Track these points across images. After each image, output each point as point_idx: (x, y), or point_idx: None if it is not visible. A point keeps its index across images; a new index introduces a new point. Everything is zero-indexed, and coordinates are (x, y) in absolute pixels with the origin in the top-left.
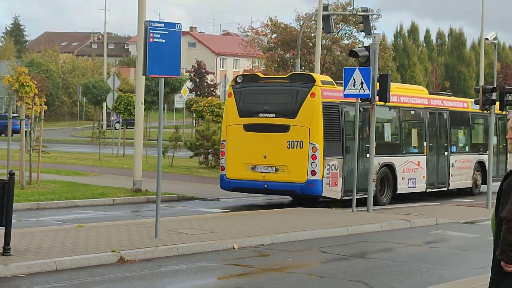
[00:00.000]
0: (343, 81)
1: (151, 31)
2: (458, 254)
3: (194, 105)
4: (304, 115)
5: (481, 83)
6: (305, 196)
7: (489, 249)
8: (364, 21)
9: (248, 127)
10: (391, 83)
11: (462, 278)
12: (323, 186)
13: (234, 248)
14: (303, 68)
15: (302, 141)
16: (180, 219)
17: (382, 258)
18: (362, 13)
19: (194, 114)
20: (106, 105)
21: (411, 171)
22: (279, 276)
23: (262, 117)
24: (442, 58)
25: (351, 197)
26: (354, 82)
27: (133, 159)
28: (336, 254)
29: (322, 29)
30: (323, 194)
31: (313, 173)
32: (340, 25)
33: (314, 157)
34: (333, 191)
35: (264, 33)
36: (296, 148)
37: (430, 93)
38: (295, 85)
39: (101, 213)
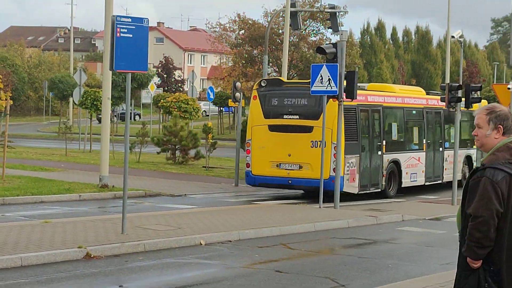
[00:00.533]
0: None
1: (118, 26)
2: (424, 251)
3: (162, 100)
4: (326, 117)
5: (447, 80)
6: (328, 191)
7: (455, 246)
8: (332, 18)
9: (273, 128)
10: (397, 85)
11: (428, 274)
12: (344, 182)
13: (201, 244)
14: (270, 64)
15: (325, 141)
16: (147, 215)
17: (349, 255)
18: (329, 10)
19: (162, 109)
20: (73, 100)
21: (413, 166)
22: (246, 272)
23: (286, 118)
24: (409, 56)
25: (366, 191)
26: (322, 78)
27: (100, 154)
28: (304, 250)
29: (290, 25)
30: (343, 190)
31: (335, 170)
32: (307, 21)
33: (335, 156)
34: (352, 187)
35: (232, 29)
36: (319, 147)
37: (426, 93)
38: None
39: (67, 208)
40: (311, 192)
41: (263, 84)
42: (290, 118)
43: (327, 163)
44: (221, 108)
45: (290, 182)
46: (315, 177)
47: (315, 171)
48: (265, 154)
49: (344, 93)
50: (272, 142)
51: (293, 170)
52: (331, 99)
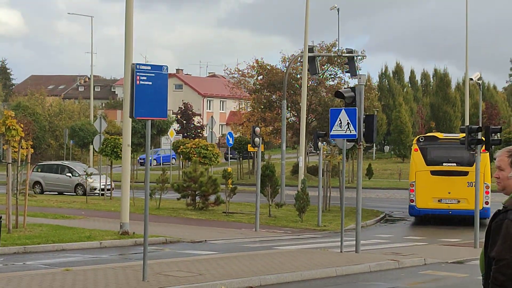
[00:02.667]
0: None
1: (137, 73)
2: None
3: (181, 147)
4: (483, 165)
5: (467, 123)
6: (481, 219)
7: None
8: (349, 62)
9: (434, 172)
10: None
11: None
12: (490, 212)
13: None
14: (289, 109)
15: (478, 181)
16: (168, 262)
17: None
18: (347, 55)
19: (181, 155)
20: (93, 147)
21: None
22: None
23: (445, 165)
24: (428, 98)
25: None
26: (341, 123)
27: (120, 201)
28: None
29: (308, 70)
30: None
31: (486, 203)
32: (325, 66)
33: (487, 192)
34: None
35: (250, 74)
36: (474, 186)
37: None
38: None
39: (88, 256)
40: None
41: (421, 140)
42: (449, 165)
43: (480, 199)
44: (241, 154)
45: (450, 212)
46: (471, 208)
47: (470, 204)
48: (427, 192)
49: (363, 137)
50: (433, 183)
51: (452, 203)
52: (481, 150)
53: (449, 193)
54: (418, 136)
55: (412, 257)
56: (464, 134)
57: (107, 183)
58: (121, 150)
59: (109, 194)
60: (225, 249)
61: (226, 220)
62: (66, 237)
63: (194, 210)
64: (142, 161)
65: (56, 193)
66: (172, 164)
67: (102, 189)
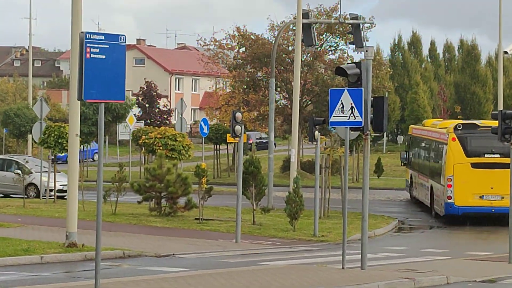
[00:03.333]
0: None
1: (88, 44)
2: None
3: (143, 136)
4: None
5: (500, 106)
6: None
7: None
8: (354, 31)
9: (475, 165)
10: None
11: None
12: None
13: None
14: (279, 89)
15: None
16: (126, 281)
17: None
18: (351, 21)
19: (143, 148)
20: (32, 138)
21: None
22: None
23: (488, 157)
24: (451, 77)
25: None
26: (343, 107)
27: (66, 205)
28: None
29: (302, 41)
30: None
31: None
32: (324, 36)
33: None
34: None
35: (230, 46)
36: None
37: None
38: None
39: (26, 274)
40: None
41: (459, 128)
42: (491, 157)
43: None
44: (217, 146)
45: (493, 210)
46: None
47: None
48: (467, 187)
49: (371, 125)
50: (474, 177)
51: (495, 200)
52: None
53: (492, 188)
54: (455, 124)
55: (432, 274)
56: (496, 122)
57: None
58: (67, 141)
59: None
60: (197, 265)
61: (200, 228)
62: None
63: (159, 216)
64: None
65: (1, 195)
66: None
67: (62, 191)
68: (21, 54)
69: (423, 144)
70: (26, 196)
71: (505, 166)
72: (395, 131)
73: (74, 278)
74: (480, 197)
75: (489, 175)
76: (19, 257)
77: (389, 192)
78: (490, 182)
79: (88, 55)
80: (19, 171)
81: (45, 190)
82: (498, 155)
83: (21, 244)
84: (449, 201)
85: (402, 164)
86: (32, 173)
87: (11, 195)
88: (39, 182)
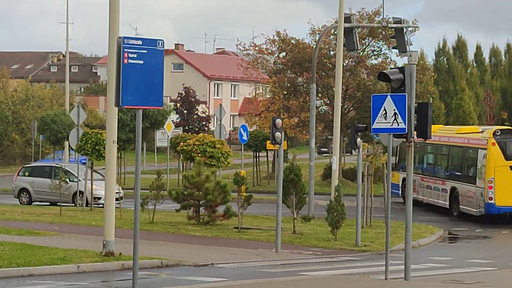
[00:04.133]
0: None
1: (125, 50)
2: None
3: (181, 143)
4: None
5: None
6: None
7: None
8: (397, 36)
9: None
10: None
11: None
12: None
13: None
14: (320, 95)
15: None
16: None
17: None
18: (394, 25)
19: (181, 155)
20: (69, 145)
21: None
22: None
23: None
24: (498, 82)
25: None
26: (386, 113)
27: (104, 213)
28: None
29: (344, 46)
30: None
31: None
32: (366, 40)
33: None
34: None
35: (269, 51)
36: None
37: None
38: None
39: (63, 284)
40: None
41: (497, 133)
42: None
43: None
44: (257, 153)
45: None
46: None
47: None
48: (507, 188)
49: (415, 132)
50: None
51: None
52: None
53: None
54: (494, 130)
55: (478, 286)
56: None
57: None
58: (104, 148)
59: (123, 205)
60: (236, 275)
61: (239, 237)
62: (34, 259)
63: (198, 225)
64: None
65: (48, 203)
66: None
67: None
68: (58, 59)
69: (438, 150)
70: (74, 204)
71: None
72: None
73: None
74: None
75: None
76: (56, 266)
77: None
78: None
79: (126, 61)
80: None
81: (94, 198)
82: None
83: (58, 253)
84: (490, 201)
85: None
86: (72, 181)
87: (58, 203)
88: (92, 190)
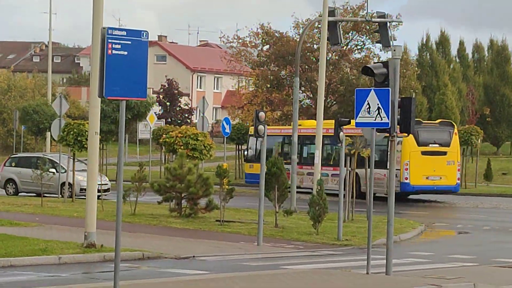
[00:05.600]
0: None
1: (109, 40)
2: None
3: (164, 135)
4: (453, 145)
5: None
6: (454, 193)
7: None
8: (381, 30)
9: (424, 153)
10: None
11: None
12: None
13: None
14: (303, 88)
15: (453, 161)
16: (145, 283)
17: None
18: (378, 20)
19: (164, 147)
20: (51, 135)
21: None
22: None
23: (431, 146)
24: (481, 78)
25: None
26: (369, 107)
27: (85, 205)
28: None
29: (328, 39)
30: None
31: (458, 179)
32: (350, 34)
33: (459, 170)
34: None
35: (253, 44)
36: (450, 164)
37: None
38: (445, 128)
39: (43, 275)
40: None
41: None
42: (434, 146)
43: (455, 175)
44: (240, 146)
45: (435, 188)
46: (449, 184)
47: (449, 180)
48: (418, 170)
49: (398, 126)
50: (423, 162)
51: (436, 180)
52: (454, 134)
53: (434, 170)
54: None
55: (459, 281)
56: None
57: (103, 182)
58: (86, 139)
59: (104, 197)
60: (218, 268)
61: (221, 230)
62: (15, 250)
63: (180, 218)
64: None
65: (34, 194)
66: None
67: (98, 190)
68: (41, 49)
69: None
70: (61, 196)
71: (442, 153)
72: None
73: (93, 279)
74: (427, 178)
75: (432, 160)
76: (37, 257)
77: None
78: (433, 166)
79: (109, 51)
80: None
81: (80, 189)
82: (437, 145)
83: (39, 244)
84: (406, 181)
85: (245, 160)
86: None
87: (45, 194)
88: (74, 180)
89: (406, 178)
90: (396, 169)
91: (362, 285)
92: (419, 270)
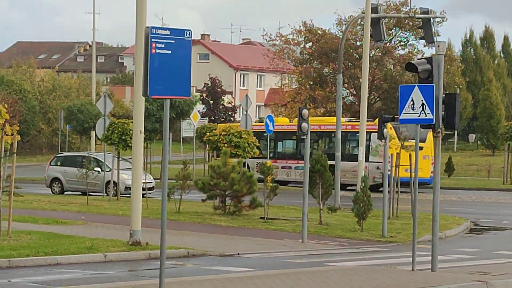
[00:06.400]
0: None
1: (153, 40)
2: None
3: (208, 134)
4: (428, 141)
5: None
6: (429, 185)
7: None
8: (425, 26)
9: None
10: None
11: None
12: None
13: None
14: (346, 85)
15: (428, 155)
16: (191, 281)
17: None
18: (421, 16)
19: (207, 145)
20: (96, 134)
21: None
22: None
23: (410, 142)
24: None
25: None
26: (413, 103)
27: (130, 203)
28: None
29: (371, 36)
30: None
31: (432, 172)
32: (393, 31)
33: (432, 164)
34: None
35: (296, 41)
36: (425, 159)
37: None
38: None
39: (89, 272)
40: None
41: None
42: (412, 141)
43: (429, 169)
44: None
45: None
46: (424, 176)
47: (424, 173)
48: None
49: (443, 122)
50: (403, 156)
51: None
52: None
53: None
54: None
55: (506, 277)
56: None
57: (147, 180)
58: (131, 138)
59: (149, 195)
60: (263, 265)
61: (265, 228)
62: (61, 248)
63: (224, 215)
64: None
65: (80, 193)
66: None
67: (142, 188)
68: (85, 49)
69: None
70: (106, 194)
71: (419, 148)
72: (467, 129)
73: (138, 277)
74: (406, 170)
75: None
76: (83, 255)
77: (460, 192)
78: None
79: (153, 51)
80: (99, 168)
81: (125, 188)
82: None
83: (85, 242)
84: (389, 173)
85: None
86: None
87: (91, 193)
88: (119, 179)
89: (389, 170)
90: (379, 162)
91: (408, 282)
92: (465, 266)
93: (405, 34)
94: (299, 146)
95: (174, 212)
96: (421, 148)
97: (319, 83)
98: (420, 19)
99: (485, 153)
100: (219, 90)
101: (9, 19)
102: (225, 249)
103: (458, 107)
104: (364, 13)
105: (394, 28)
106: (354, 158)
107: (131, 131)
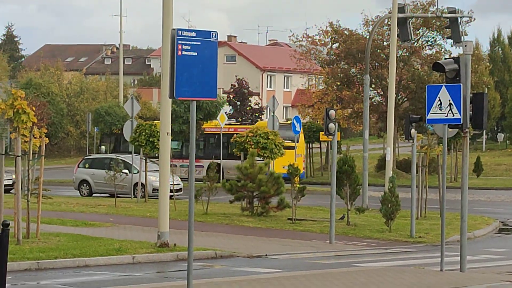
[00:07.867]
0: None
1: (179, 41)
2: None
3: (235, 135)
4: (300, 141)
5: None
6: (301, 179)
7: None
8: (452, 26)
9: (284, 147)
10: None
11: None
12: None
13: None
14: (373, 86)
15: (301, 154)
16: (219, 282)
17: None
18: (448, 15)
19: (235, 146)
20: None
21: None
22: None
23: (287, 142)
24: None
25: None
26: (440, 103)
27: (158, 205)
28: None
29: (398, 36)
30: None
31: (304, 168)
32: (420, 30)
33: (304, 161)
34: None
35: (322, 42)
36: (299, 157)
37: None
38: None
39: (118, 274)
40: None
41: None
42: (288, 142)
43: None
44: (310, 144)
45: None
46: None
47: None
48: (280, 161)
49: (470, 122)
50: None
51: None
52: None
53: (289, 161)
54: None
55: None
56: None
57: (175, 182)
58: (158, 140)
59: (176, 196)
60: (290, 266)
61: (292, 229)
62: (90, 250)
63: (251, 216)
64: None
65: (108, 195)
66: None
67: (170, 190)
68: (112, 52)
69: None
70: (134, 196)
71: (292, 148)
72: (495, 128)
73: (166, 279)
74: (283, 167)
75: (288, 153)
76: (111, 257)
77: (489, 192)
78: (288, 158)
79: (179, 52)
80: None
81: (153, 189)
82: (290, 141)
83: (113, 244)
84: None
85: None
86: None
87: (119, 195)
88: (147, 181)
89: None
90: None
91: (436, 283)
92: (494, 266)
93: (433, 34)
94: (180, 145)
95: (201, 213)
96: (293, 148)
97: (346, 83)
98: (447, 19)
99: None
100: (246, 91)
101: (37, 22)
102: (252, 250)
103: (486, 106)
104: (391, 13)
105: (421, 28)
106: (237, 157)
107: (158, 133)
